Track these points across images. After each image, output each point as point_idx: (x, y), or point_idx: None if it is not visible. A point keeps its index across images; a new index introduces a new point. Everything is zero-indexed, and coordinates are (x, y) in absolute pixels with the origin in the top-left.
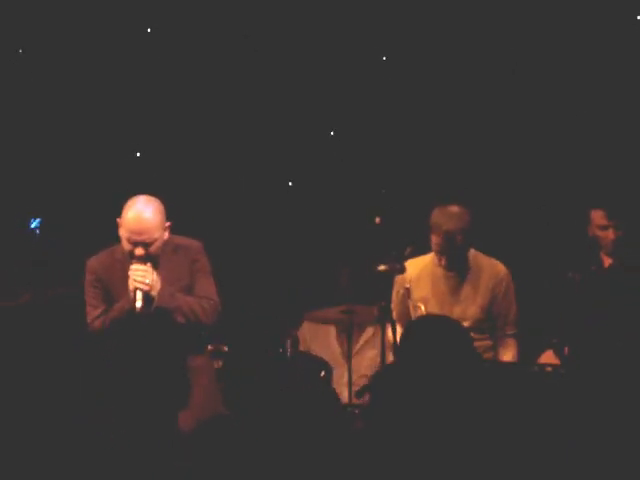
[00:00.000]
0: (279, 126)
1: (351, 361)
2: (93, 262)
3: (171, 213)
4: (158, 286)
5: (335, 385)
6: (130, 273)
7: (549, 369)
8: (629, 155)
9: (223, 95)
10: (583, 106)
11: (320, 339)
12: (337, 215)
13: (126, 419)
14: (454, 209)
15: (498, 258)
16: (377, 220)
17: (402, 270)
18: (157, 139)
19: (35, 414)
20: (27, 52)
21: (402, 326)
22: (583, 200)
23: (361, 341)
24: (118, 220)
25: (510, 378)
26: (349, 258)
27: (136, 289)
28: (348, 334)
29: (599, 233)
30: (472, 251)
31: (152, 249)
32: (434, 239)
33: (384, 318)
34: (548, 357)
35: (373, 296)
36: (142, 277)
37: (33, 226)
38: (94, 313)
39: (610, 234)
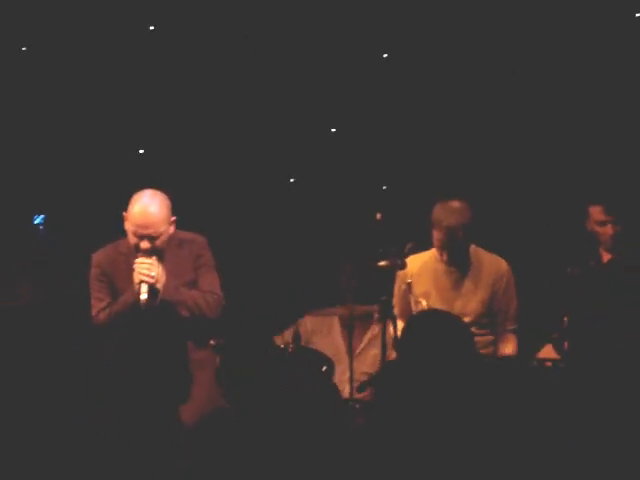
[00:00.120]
0: (280, 123)
1: (352, 357)
2: (98, 256)
3: (173, 209)
4: (163, 279)
5: (337, 381)
6: (135, 266)
7: (549, 364)
8: (627, 151)
9: (225, 92)
10: (581, 103)
11: (323, 334)
12: (338, 211)
13: (128, 413)
14: (455, 204)
15: (498, 253)
16: (378, 216)
17: (403, 266)
18: (160, 136)
19: (36, 410)
20: (30, 49)
21: (404, 322)
22: (582, 196)
23: (365, 339)
24: (124, 214)
25: (510, 373)
26: (351, 255)
27: (141, 282)
28: (349, 331)
29: (598, 229)
30: (473, 247)
31: (158, 243)
32: (436, 234)
33: (385, 313)
34: (547, 352)
35: (374, 292)
36: (147, 270)
37: (37, 222)
38: (99, 306)
39: (609, 229)
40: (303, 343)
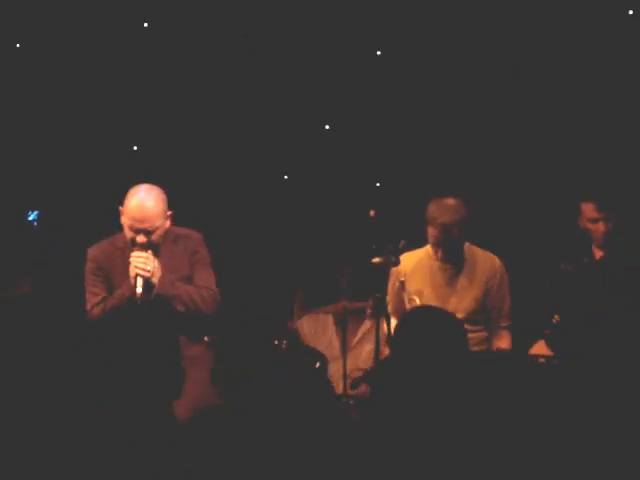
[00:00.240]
0: (273, 120)
1: (347, 353)
2: (94, 250)
3: (168, 207)
4: (159, 273)
5: (333, 377)
6: (131, 260)
7: (542, 360)
8: (619, 148)
9: (219, 89)
10: (574, 100)
11: (319, 332)
12: (331, 208)
13: (122, 408)
14: (450, 201)
15: (491, 251)
16: (372, 213)
17: (397, 263)
18: (155, 133)
19: (29, 407)
20: (24, 46)
21: (397, 319)
22: (574, 193)
23: (359, 334)
24: (120, 208)
25: (503, 369)
26: (344, 253)
27: (137, 276)
28: (343, 327)
29: (590, 226)
30: (466, 244)
31: (154, 237)
32: (431, 231)
33: (379, 311)
34: (540, 348)
35: (368, 289)
36: (143, 264)
37: (31, 218)
38: (93, 300)
39: (601, 227)
40: (301, 342)
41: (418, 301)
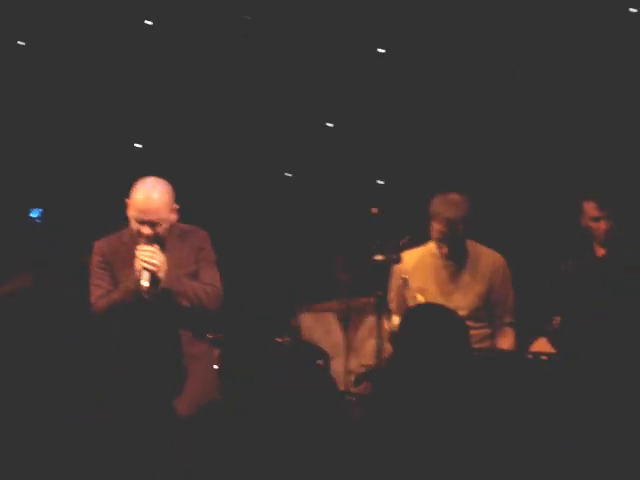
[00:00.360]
0: (276, 118)
1: (349, 350)
2: (101, 244)
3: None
4: (165, 268)
5: (337, 374)
6: (138, 253)
7: (544, 357)
8: (621, 147)
9: (220, 86)
10: (576, 99)
11: (322, 329)
12: (334, 205)
13: (123, 404)
14: (455, 197)
15: (493, 248)
16: (374, 210)
17: (398, 260)
18: (157, 131)
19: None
20: (27, 43)
21: (400, 317)
22: (576, 191)
23: (362, 332)
24: (127, 201)
25: (505, 366)
26: (344, 249)
27: (143, 269)
28: (345, 324)
29: (591, 224)
30: (469, 241)
31: (159, 229)
32: (436, 227)
33: (381, 308)
34: (541, 345)
35: (370, 286)
36: (150, 257)
37: (34, 216)
38: (98, 293)
39: (602, 225)
40: (304, 339)
41: (421, 298)
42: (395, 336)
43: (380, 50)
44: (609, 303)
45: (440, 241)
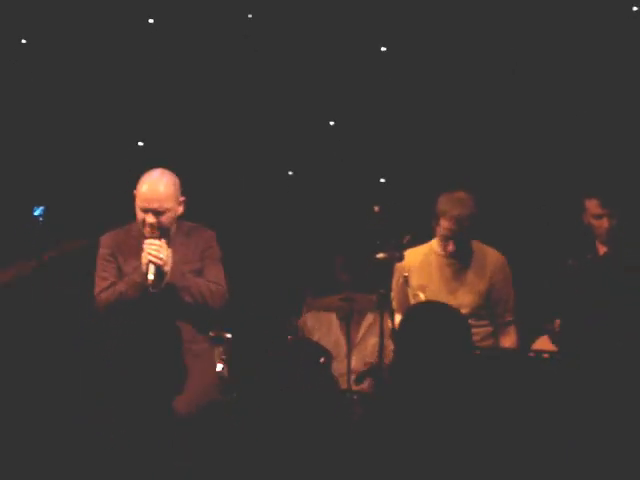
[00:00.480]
0: (278, 116)
1: (351, 348)
2: (108, 238)
3: None
4: (170, 262)
5: (338, 373)
6: (144, 246)
7: (546, 356)
8: (623, 145)
9: (222, 84)
10: (579, 97)
11: (323, 328)
12: (336, 204)
13: (122, 401)
14: (461, 195)
15: (495, 246)
16: (376, 209)
17: (400, 258)
18: (160, 129)
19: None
20: (30, 40)
21: (402, 314)
22: (578, 189)
23: (362, 329)
24: (134, 192)
25: (507, 365)
26: (344, 248)
27: (149, 262)
28: (347, 322)
29: (594, 222)
30: (472, 240)
31: (164, 219)
32: (443, 224)
33: (383, 306)
34: (542, 343)
35: (372, 284)
36: (156, 251)
37: (36, 214)
38: (102, 284)
39: (604, 223)
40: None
41: (422, 296)
42: (397, 334)
43: (382, 48)
44: (610, 301)
45: (447, 239)
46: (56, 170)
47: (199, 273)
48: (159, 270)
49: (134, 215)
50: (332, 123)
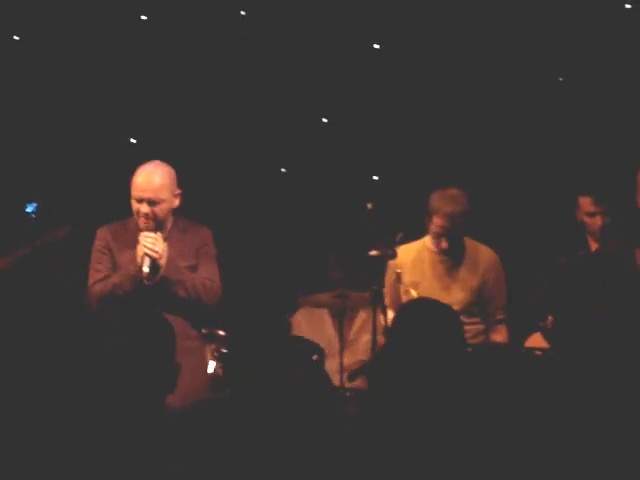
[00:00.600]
0: (271, 113)
1: (344, 345)
2: (104, 230)
3: None
4: (166, 255)
5: (330, 370)
6: (140, 239)
7: (538, 353)
8: (617, 143)
9: (215, 82)
10: (572, 93)
11: (315, 326)
12: (329, 201)
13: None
14: (454, 192)
15: (487, 243)
16: (369, 206)
17: (394, 255)
18: (152, 126)
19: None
20: (22, 37)
21: (394, 311)
22: (571, 186)
23: (355, 327)
24: (130, 184)
25: (500, 361)
26: (337, 246)
27: (145, 255)
28: (340, 319)
29: (587, 219)
30: (464, 237)
31: (158, 210)
32: (436, 221)
33: (376, 303)
34: (535, 340)
35: (365, 281)
36: (152, 244)
37: (29, 211)
38: (96, 276)
39: (597, 220)
40: (295, 334)
41: (414, 293)
42: (389, 331)
43: (375, 46)
44: (604, 298)
45: (440, 236)
46: (49, 167)
47: (194, 270)
48: (154, 263)
49: (129, 212)
50: (325, 120)
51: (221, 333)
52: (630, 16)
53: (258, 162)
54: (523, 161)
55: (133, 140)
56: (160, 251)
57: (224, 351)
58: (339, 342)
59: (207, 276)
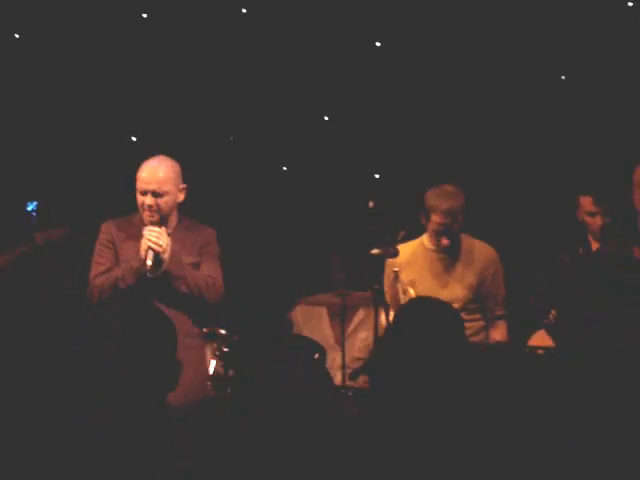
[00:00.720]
0: (272, 111)
1: (344, 344)
2: (109, 224)
3: None
4: (169, 250)
5: (329, 369)
6: (145, 232)
7: (540, 352)
8: (618, 142)
9: (217, 80)
10: (573, 93)
11: (313, 323)
12: (330, 199)
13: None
14: (449, 188)
15: (488, 241)
16: (370, 204)
17: (395, 254)
18: (153, 124)
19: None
20: (23, 36)
21: (394, 309)
22: (572, 185)
23: (353, 324)
24: (136, 177)
25: (502, 360)
26: (339, 245)
27: (149, 248)
28: (341, 318)
29: (587, 219)
30: (461, 234)
31: (162, 202)
32: (435, 219)
33: (377, 301)
34: (539, 339)
35: (366, 280)
36: (156, 238)
37: (29, 209)
38: (98, 269)
39: (598, 220)
40: (295, 332)
41: (412, 292)
42: (390, 330)
43: (377, 43)
44: (605, 297)
45: (440, 233)
46: (50, 165)
47: (196, 268)
48: (157, 257)
49: (130, 210)
50: (326, 118)
51: (222, 332)
52: (632, 14)
53: (260, 160)
54: (524, 160)
55: (134, 138)
56: (164, 245)
57: (225, 350)
58: (337, 341)
59: (209, 274)
